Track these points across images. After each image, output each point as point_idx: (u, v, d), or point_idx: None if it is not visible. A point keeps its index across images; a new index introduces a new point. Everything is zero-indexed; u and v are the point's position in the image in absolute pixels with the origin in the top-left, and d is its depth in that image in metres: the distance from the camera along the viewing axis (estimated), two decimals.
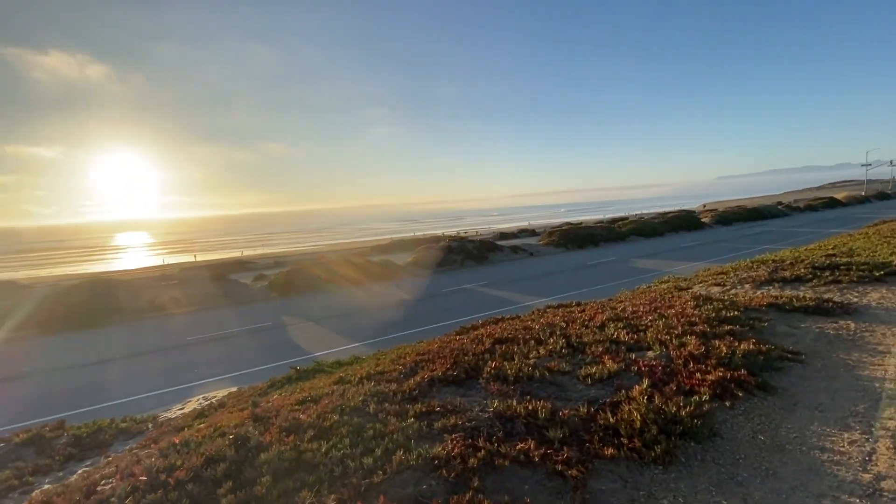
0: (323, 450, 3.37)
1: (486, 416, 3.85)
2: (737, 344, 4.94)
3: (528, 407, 3.82)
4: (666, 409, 3.62)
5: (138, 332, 14.64)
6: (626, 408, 3.69)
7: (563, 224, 49.94)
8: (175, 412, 7.75)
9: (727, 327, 5.64)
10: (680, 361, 4.67)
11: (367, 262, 23.85)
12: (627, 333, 5.77)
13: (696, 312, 6.41)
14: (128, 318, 16.14)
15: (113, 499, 3.09)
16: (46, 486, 4.49)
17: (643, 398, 3.81)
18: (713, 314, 6.24)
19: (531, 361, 4.90)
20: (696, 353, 4.81)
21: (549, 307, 9.62)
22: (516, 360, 4.92)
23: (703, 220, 41.83)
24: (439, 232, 66.56)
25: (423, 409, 4.03)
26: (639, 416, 3.50)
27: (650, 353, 5.07)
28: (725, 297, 7.70)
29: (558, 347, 5.35)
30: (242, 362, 10.79)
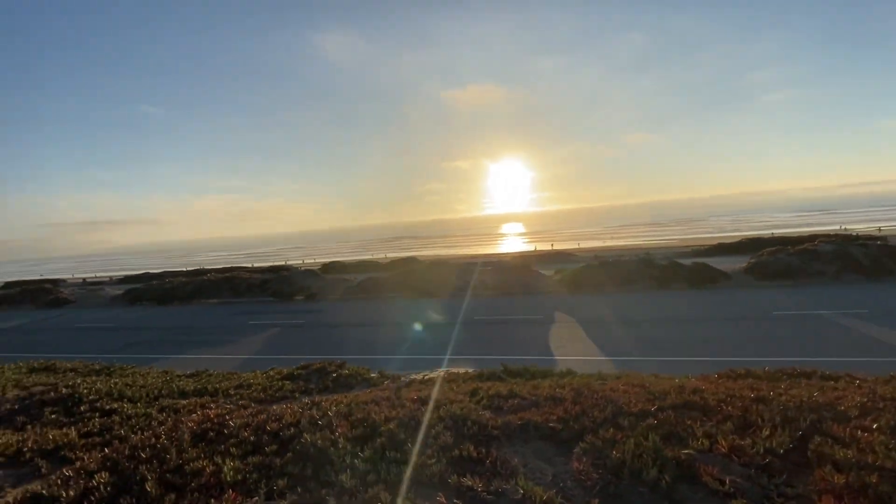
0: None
1: (513, 499, 2.79)
2: None
3: None
4: None
5: (448, 306, 18.29)
6: None
7: None
8: (420, 376, 9.38)
9: None
10: None
11: (674, 265, 20.35)
12: None
13: None
14: (448, 294, 20.44)
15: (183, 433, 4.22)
16: (282, 405, 6.50)
17: None
18: None
19: (677, 452, 3.09)
20: None
21: None
22: (650, 440, 3.22)
23: None
24: (862, 227, 47.91)
25: (457, 455, 3.31)
26: None
27: None
28: None
29: (762, 449, 3.09)
30: (494, 348, 11.67)
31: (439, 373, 9.50)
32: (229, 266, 38.88)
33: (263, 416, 4.37)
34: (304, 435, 3.71)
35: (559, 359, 10.23)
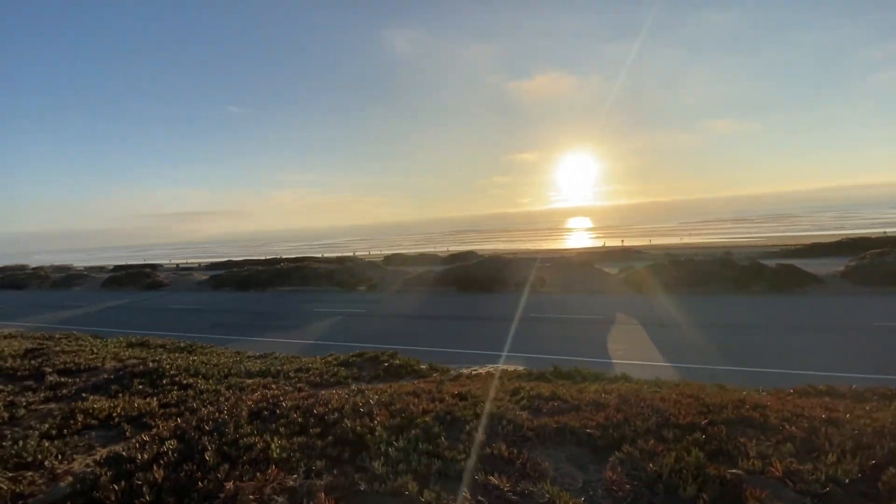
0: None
1: (539, 502, 2.76)
2: None
3: None
4: None
5: (502, 302, 18.14)
6: None
7: None
8: (468, 371, 9.45)
9: None
10: None
11: (755, 266, 18.56)
12: None
13: None
14: (505, 289, 20.25)
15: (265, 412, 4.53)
16: (333, 390, 6.85)
17: None
18: None
19: (723, 471, 2.88)
20: None
21: None
22: (693, 455, 3.03)
23: None
24: None
25: (488, 453, 3.32)
26: None
27: None
28: None
29: (823, 476, 2.79)
30: (549, 347, 11.44)
31: (488, 369, 9.51)
32: (301, 256, 41.50)
33: (312, 400, 4.66)
34: (345, 420, 3.91)
35: (616, 362, 9.81)
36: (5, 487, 3.17)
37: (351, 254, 54.22)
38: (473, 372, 8.67)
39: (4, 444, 3.80)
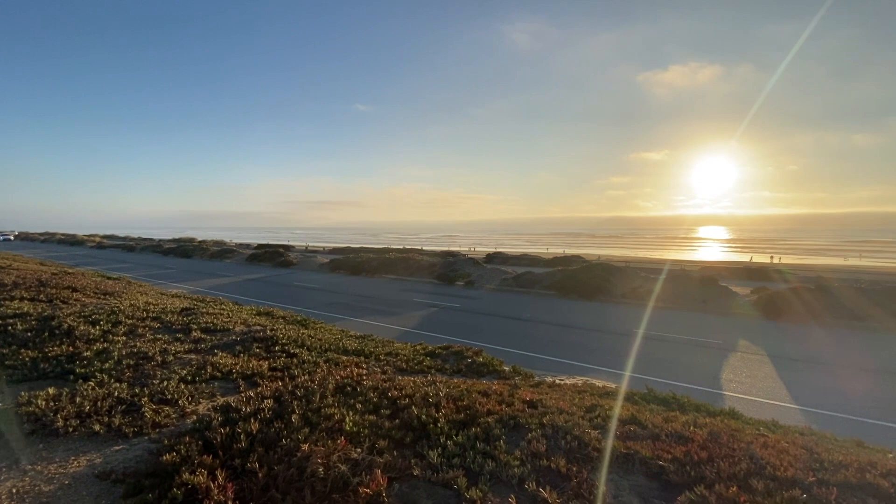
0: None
1: None
2: None
3: None
4: None
5: (604, 312, 17.05)
6: None
7: None
8: (551, 380, 9.15)
9: None
10: None
11: None
12: None
13: None
14: (607, 299, 18.98)
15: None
16: (413, 377, 7.16)
17: None
18: None
19: None
20: None
21: None
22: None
23: None
24: None
25: (545, 465, 3.23)
26: None
27: None
28: None
29: None
30: (649, 367, 10.53)
31: (575, 381, 9.11)
32: (407, 248, 43.93)
33: (389, 384, 4.99)
34: (413, 408, 4.13)
35: (727, 394, 8.66)
36: (149, 416, 3.98)
37: (455, 249, 55.71)
38: (558, 381, 8.39)
39: (154, 381, 4.76)
